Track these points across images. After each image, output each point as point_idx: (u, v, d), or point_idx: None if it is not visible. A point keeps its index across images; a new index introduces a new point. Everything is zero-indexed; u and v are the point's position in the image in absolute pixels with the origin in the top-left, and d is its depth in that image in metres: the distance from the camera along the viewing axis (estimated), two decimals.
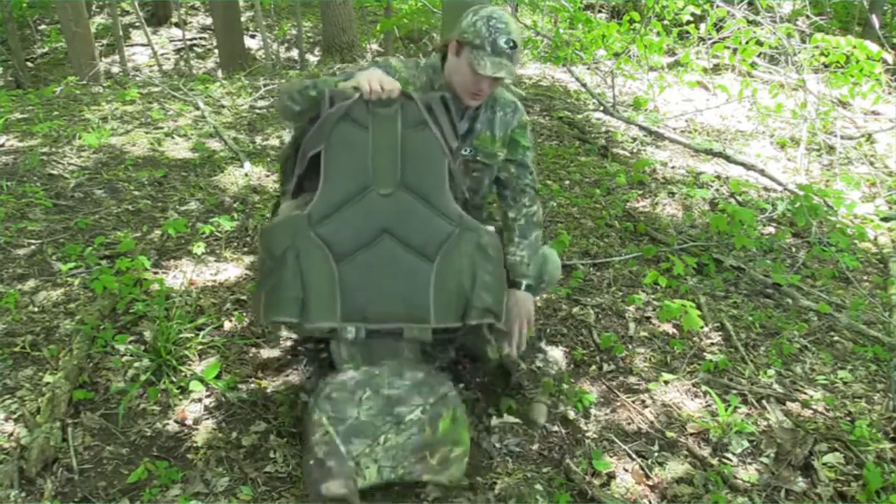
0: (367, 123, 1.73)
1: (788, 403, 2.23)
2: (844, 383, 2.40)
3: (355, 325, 1.70)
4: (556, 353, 2.37)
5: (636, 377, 2.30)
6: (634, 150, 4.82)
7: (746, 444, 2.01)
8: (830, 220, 3.79)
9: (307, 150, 1.74)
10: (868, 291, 3.10)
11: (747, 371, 2.39)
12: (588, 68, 6.36)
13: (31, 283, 2.45)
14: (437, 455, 1.68)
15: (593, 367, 2.34)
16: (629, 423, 2.07)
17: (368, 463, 1.63)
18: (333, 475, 1.56)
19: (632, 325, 2.62)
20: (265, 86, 5.37)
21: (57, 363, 2.03)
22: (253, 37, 9.72)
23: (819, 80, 5.00)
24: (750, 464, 1.95)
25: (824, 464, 1.94)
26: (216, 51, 8.79)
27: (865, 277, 3.34)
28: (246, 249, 2.84)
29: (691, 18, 5.39)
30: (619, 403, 2.16)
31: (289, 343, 2.27)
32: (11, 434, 1.78)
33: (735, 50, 5.08)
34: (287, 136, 4.14)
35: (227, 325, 2.33)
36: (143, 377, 2.00)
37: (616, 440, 1.99)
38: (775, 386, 2.33)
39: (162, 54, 9.35)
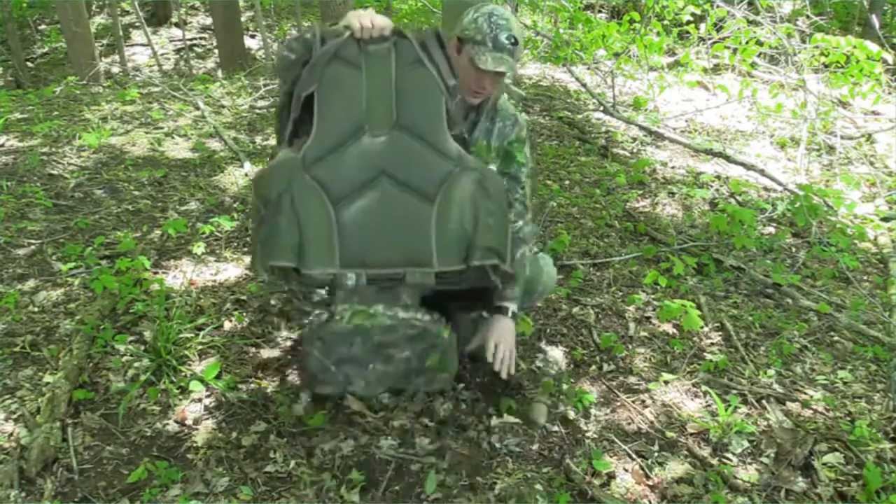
0: (360, 63, 1.67)
1: (788, 403, 2.23)
2: (844, 383, 2.40)
3: (355, 271, 1.65)
4: (556, 353, 2.37)
5: (636, 377, 2.30)
6: (634, 150, 4.82)
7: (746, 444, 2.01)
8: (830, 220, 3.79)
9: (300, 93, 1.69)
10: (868, 291, 3.10)
11: (747, 371, 2.39)
12: (588, 68, 6.36)
13: (31, 283, 2.45)
14: (422, 377, 1.77)
15: (593, 367, 2.34)
16: (629, 423, 2.07)
17: (357, 379, 1.72)
18: (323, 382, 1.73)
19: (632, 325, 2.62)
20: (265, 86, 5.37)
21: (57, 363, 2.03)
22: (253, 37, 9.72)
23: (819, 80, 5.01)
24: (750, 464, 1.95)
25: (824, 464, 1.94)
26: (216, 51, 8.79)
27: (865, 277, 3.34)
28: (246, 249, 2.84)
29: (691, 18, 5.39)
30: (619, 403, 2.16)
31: (289, 343, 2.27)
32: (11, 434, 1.78)
33: (735, 50, 5.08)
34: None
35: (227, 325, 2.33)
36: (143, 377, 2.00)
37: (616, 440, 1.99)
38: (775, 386, 2.33)
39: (162, 54, 9.35)
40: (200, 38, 10.15)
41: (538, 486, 1.76)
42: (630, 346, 2.48)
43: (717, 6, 5.06)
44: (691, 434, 2.05)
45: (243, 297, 2.48)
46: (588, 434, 2.01)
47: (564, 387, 2.17)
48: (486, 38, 1.78)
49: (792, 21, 5.62)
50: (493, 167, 2.00)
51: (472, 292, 1.99)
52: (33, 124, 3.98)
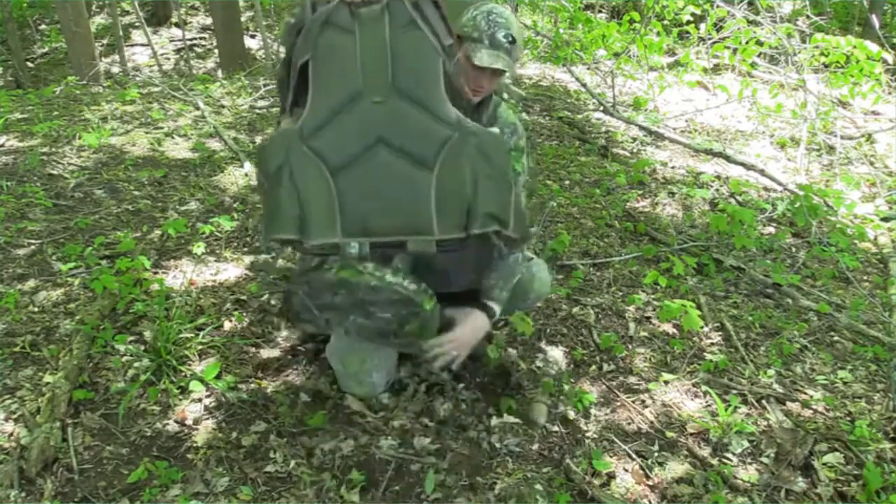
0: (353, 28, 1.62)
1: (788, 403, 2.23)
2: (844, 383, 2.40)
3: (357, 240, 1.64)
4: (556, 353, 2.37)
5: (636, 377, 2.30)
6: (634, 150, 4.82)
7: (746, 444, 2.02)
8: (830, 220, 3.79)
9: (296, 61, 1.67)
10: (868, 291, 3.10)
11: (747, 371, 2.39)
12: (588, 68, 6.36)
13: (31, 283, 2.45)
14: (399, 339, 1.78)
15: (593, 367, 2.34)
16: (629, 423, 2.07)
17: (337, 326, 1.76)
18: (304, 321, 1.77)
19: (632, 325, 2.62)
20: (265, 86, 5.37)
21: (57, 363, 2.03)
22: (253, 37, 9.71)
23: (819, 80, 5.01)
24: (750, 464, 1.95)
25: (824, 464, 1.94)
26: (216, 51, 8.79)
27: (865, 277, 3.34)
28: (246, 249, 2.84)
29: (691, 18, 5.39)
30: (619, 403, 2.16)
31: (289, 343, 2.27)
32: (11, 434, 1.78)
33: (735, 50, 5.08)
34: None
35: (227, 325, 2.33)
36: (143, 377, 2.00)
37: (616, 440, 1.99)
38: (775, 386, 2.33)
39: (162, 54, 9.35)
40: (200, 38, 10.14)
41: (538, 486, 1.76)
42: (630, 346, 2.48)
43: (717, 6, 5.06)
44: (691, 434, 2.05)
45: (243, 297, 2.48)
46: (588, 434, 2.01)
47: (564, 387, 2.17)
48: (484, 35, 1.78)
49: (792, 21, 5.62)
50: None
51: (471, 293, 1.99)
52: (33, 124, 3.98)
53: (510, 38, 1.79)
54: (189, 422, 1.89)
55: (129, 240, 2.71)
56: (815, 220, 3.55)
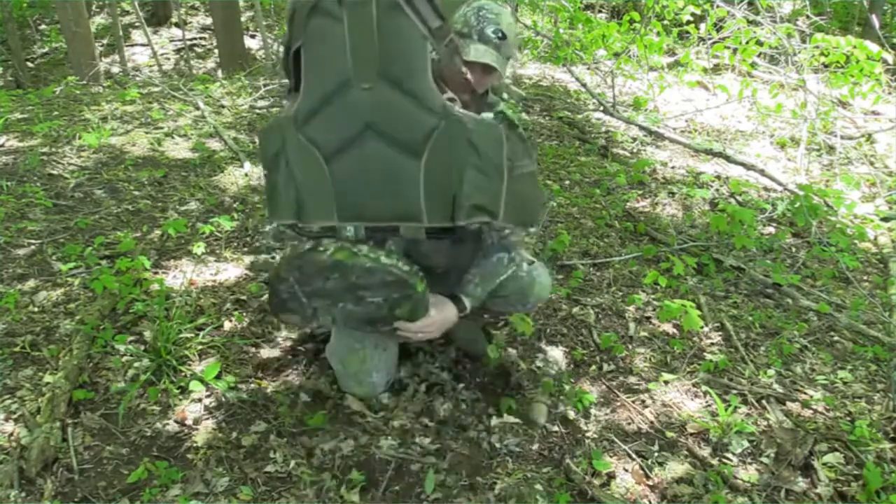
0: (340, 14, 1.59)
1: (788, 403, 2.23)
2: (844, 383, 2.40)
3: (353, 224, 1.67)
4: (556, 353, 2.37)
5: (636, 377, 2.30)
6: (634, 150, 4.82)
7: (746, 444, 2.02)
8: (830, 220, 3.79)
9: (290, 46, 1.68)
10: (868, 291, 3.10)
11: (747, 371, 2.39)
12: (588, 68, 6.36)
13: (31, 283, 2.45)
14: (386, 326, 1.79)
15: (593, 367, 2.34)
16: (629, 423, 2.07)
17: (324, 315, 1.75)
18: (289, 311, 1.76)
19: (632, 325, 2.62)
20: (265, 86, 5.37)
21: (57, 363, 2.03)
22: (253, 37, 9.72)
23: (819, 80, 5.01)
24: (750, 464, 1.95)
25: (824, 464, 1.94)
26: (216, 51, 8.79)
27: (865, 277, 3.34)
28: (246, 249, 2.84)
29: (691, 18, 5.39)
30: (619, 403, 2.16)
31: (289, 343, 2.27)
32: (11, 434, 1.78)
33: (735, 50, 5.08)
34: None
35: (227, 325, 2.33)
36: (143, 377, 2.00)
37: (616, 440, 1.99)
38: (775, 386, 2.33)
39: (162, 54, 9.35)
40: (200, 38, 10.14)
41: (538, 486, 1.76)
42: (630, 346, 2.48)
43: (717, 6, 5.06)
44: (691, 434, 2.05)
45: (243, 297, 2.48)
46: (588, 434, 2.01)
47: (565, 387, 2.17)
48: (472, 30, 1.77)
49: (792, 21, 5.62)
50: None
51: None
52: (33, 124, 3.98)
53: (500, 34, 1.77)
54: (189, 422, 1.89)
55: (129, 240, 2.71)
56: (815, 220, 3.55)
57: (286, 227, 1.77)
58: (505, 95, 2.03)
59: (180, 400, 1.96)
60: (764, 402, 2.22)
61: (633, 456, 1.93)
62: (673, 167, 4.56)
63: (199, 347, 2.17)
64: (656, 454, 1.95)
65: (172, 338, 2.10)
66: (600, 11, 9.41)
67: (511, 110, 2.03)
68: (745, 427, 2.05)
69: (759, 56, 5.73)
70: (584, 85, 5.54)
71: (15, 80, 8.68)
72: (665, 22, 5.55)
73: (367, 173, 1.63)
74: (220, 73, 7.67)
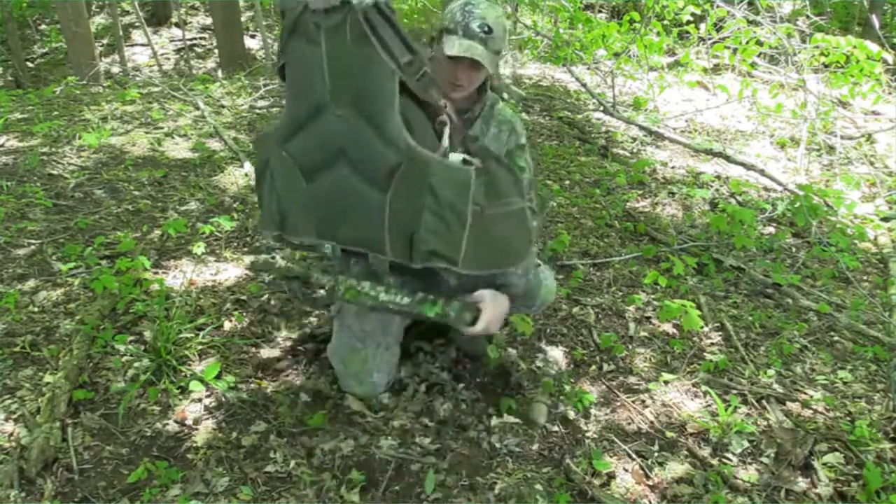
0: (318, 38, 1.58)
1: (788, 403, 2.23)
2: (844, 383, 2.40)
3: (329, 243, 1.74)
4: (556, 353, 2.37)
5: (636, 377, 2.30)
6: (634, 150, 4.82)
7: (746, 444, 2.02)
8: (830, 220, 3.79)
9: (279, 62, 1.70)
10: (868, 291, 3.10)
11: (747, 371, 2.39)
12: (588, 68, 6.36)
13: (31, 283, 2.45)
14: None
15: (593, 367, 2.34)
16: (629, 423, 2.07)
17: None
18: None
19: (632, 325, 2.62)
20: (265, 86, 5.37)
21: (57, 363, 2.03)
22: (253, 37, 9.72)
23: (819, 80, 5.00)
24: (750, 464, 1.95)
25: (824, 464, 1.94)
26: (216, 51, 8.79)
27: (865, 277, 3.34)
28: (246, 249, 2.84)
29: (691, 18, 5.39)
30: (619, 403, 2.16)
31: (289, 343, 2.27)
32: (11, 434, 1.78)
33: (735, 50, 5.08)
34: None
35: (227, 325, 2.33)
36: (143, 377, 2.00)
37: (616, 440, 1.99)
38: (775, 386, 2.33)
39: (162, 54, 9.35)
40: (200, 38, 10.15)
41: (538, 486, 1.76)
42: (630, 346, 2.48)
43: (717, 6, 5.06)
44: (691, 434, 2.05)
45: (243, 297, 2.48)
46: (588, 434, 2.01)
47: (565, 387, 2.17)
48: (458, 26, 1.73)
49: (792, 21, 5.62)
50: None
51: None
52: (33, 124, 3.98)
53: (485, 28, 1.72)
54: (189, 422, 1.89)
55: (129, 240, 2.71)
56: (815, 220, 3.55)
57: (273, 237, 1.84)
58: (505, 95, 2.02)
59: (180, 400, 1.96)
60: (764, 402, 2.22)
61: (633, 456, 1.93)
62: (673, 167, 4.56)
63: (199, 347, 2.17)
64: (656, 454, 1.95)
65: (172, 338, 2.10)
66: (600, 11, 9.41)
67: (509, 108, 2.03)
68: (745, 427, 2.05)
69: (759, 56, 5.73)
70: (584, 85, 5.54)
71: (15, 80, 8.69)
72: (665, 22, 5.55)
73: (340, 197, 1.66)
74: (220, 73, 7.67)
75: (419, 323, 2.14)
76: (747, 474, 1.90)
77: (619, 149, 4.79)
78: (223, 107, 4.88)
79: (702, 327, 2.58)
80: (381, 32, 1.53)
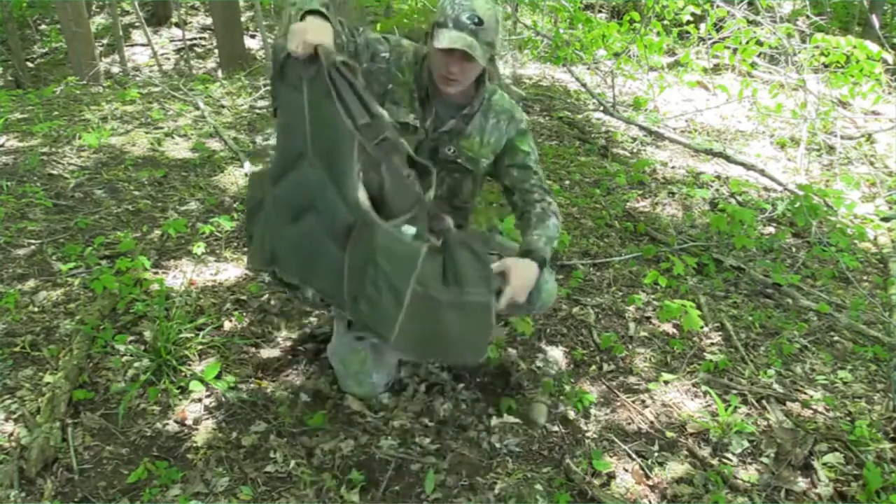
0: (301, 87, 1.60)
1: (788, 403, 2.23)
2: (844, 383, 2.40)
3: (309, 288, 1.78)
4: (556, 353, 2.37)
5: (636, 377, 2.30)
6: (634, 150, 4.82)
7: (746, 444, 2.02)
8: (830, 220, 3.79)
9: (272, 105, 1.77)
10: (868, 291, 3.10)
11: (747, 371, 2.39)
12: (588, 68, 6.36)
13: (31, 283, 2.45)
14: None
15: (593, 367, 2.34)
16: (629, 423, 2.07)
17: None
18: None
19: (632, 325, 2.62)
20: (265, 86, 5.37)
21: (57, 363, 2.03)
22: (253, 37, 9.71)
23: (819, 80, 5.00)
24: (750, 464, 1.95)
25: (824, 464, 1.94)
26: (216, 51, 8.78)
27: (865, 277, 3.34)
28: (246, 249, 2.84)
29: (691, 18, 5.38)
30: (619, 403, 2.16)
31: (289, 343, 2.27)
32: (11, 434, 1.78)
33: (735, 50, 5.08)
34: None
35: (227, 325, 2.33)
36: (143, 377, 2.00)
37: (616, 440, 1.99)
38: (775, 386, 2.33)
39: (162, 54, 9.35)
40: (200, 38, 10.14)
41: (538, 486, 1.76)
42: (630, 346, 2.48)
43: (717, 6, 5.06)
44: (691, 434, 2.05)
45: (243, 297, 2.48)
46: (588, 434, 2.01)
47: (565, 387, 2.17)
48: (448, 19, 1.71)
49: (792, 21, 5.62)
50: (484, 163, 1.97)
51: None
52: (33, 124, 3.98)
53: (475, 20, 1.69)
54: (189, 422, 1.89)
55: (129, 240, 2.71)
56: (815, 220, 3.55)
57: (268, 273, 1.89)
58: (500, 93, 2.01)
59: (180, 400, 1.96)
60: (764, 402, 2.22)
61: (633, 456, 1.93)
62: (673, 167, 4.56)
63: (199, 347, 2.17)
64: (656, 454, 1.95)
65: (172, 338, 2.10)
66: (600, 11, 9.41)
67: (507, 96, 2.01)
68: (745, 427, 2.05)
69: (759, 56, 5.73)
70: (584, 85, 5.54)
71: (15, 80, 8.68)
72: (665, 22, 5.54)
73: (313, 245, 1.68)
74: (220, 73, 7.67)
75: None
76: (747, 474, 1.90)
77: (619, 149, 4.79)
78: (223, 107, 4.88)
79: (702, 327, 2.58)
80: (341, 91, 1.55)
